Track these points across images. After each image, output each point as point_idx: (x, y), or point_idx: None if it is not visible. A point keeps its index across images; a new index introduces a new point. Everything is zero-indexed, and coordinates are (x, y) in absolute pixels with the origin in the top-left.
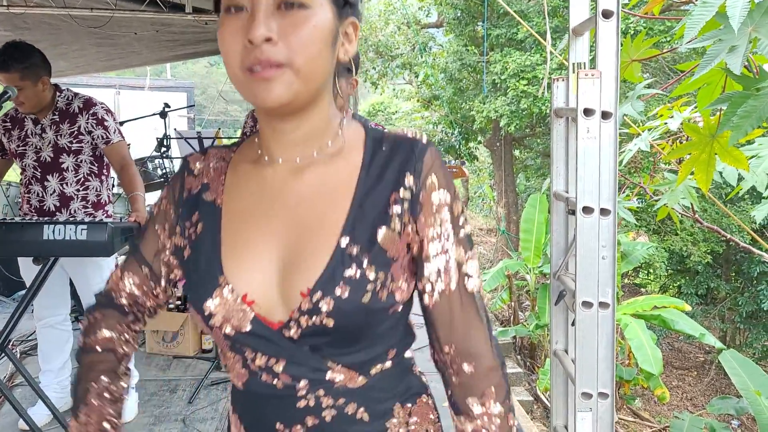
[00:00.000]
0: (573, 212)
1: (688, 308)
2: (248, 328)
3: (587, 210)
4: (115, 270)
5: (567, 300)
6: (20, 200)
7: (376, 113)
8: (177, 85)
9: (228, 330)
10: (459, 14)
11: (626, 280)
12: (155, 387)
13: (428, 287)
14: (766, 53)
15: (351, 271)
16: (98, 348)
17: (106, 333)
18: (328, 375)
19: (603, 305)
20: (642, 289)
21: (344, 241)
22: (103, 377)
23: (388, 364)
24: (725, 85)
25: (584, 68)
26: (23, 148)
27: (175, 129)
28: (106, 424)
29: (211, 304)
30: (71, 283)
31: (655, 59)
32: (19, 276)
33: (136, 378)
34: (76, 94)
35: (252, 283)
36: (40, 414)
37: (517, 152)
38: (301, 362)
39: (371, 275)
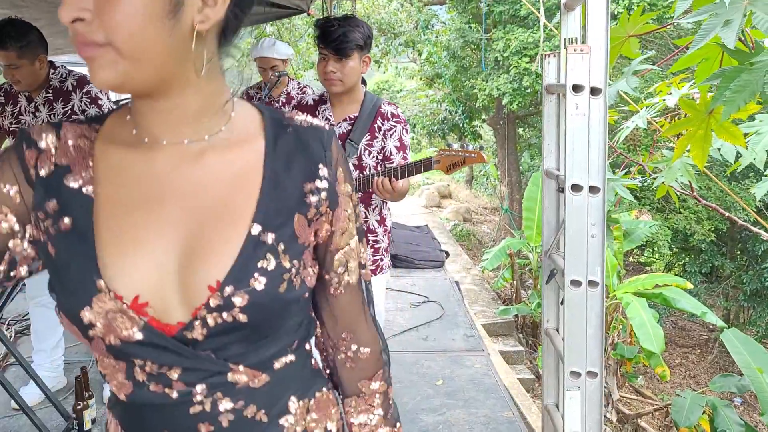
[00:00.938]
0: (563, 190)
1: (690, 286)
2: (138, 336)
3: (576, 188)
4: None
5: (557, 279)
6: None
7: (381, 92)
8: None
9: (112, 340)
10: None
11: (630, 259)
12: None
13: (335, 278)
14: (762, 27)
15: (266, 261)
16: None
17: None
18: (230, 377)
19: (592, 284)
20: (647, 268)
21: (256, 229)
22: None
23: (291, 357)
24: (722, 60)
25: (575, 44)
26: (16, 125)
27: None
28: None
29: (89, 314)
30: None
31: (659, 35)
32: None
33: None
34: (70, 72)
35: (142, 283)
36: (32, 394)
37: (521, 131)
38: (200, 367)
39: (287, 264)
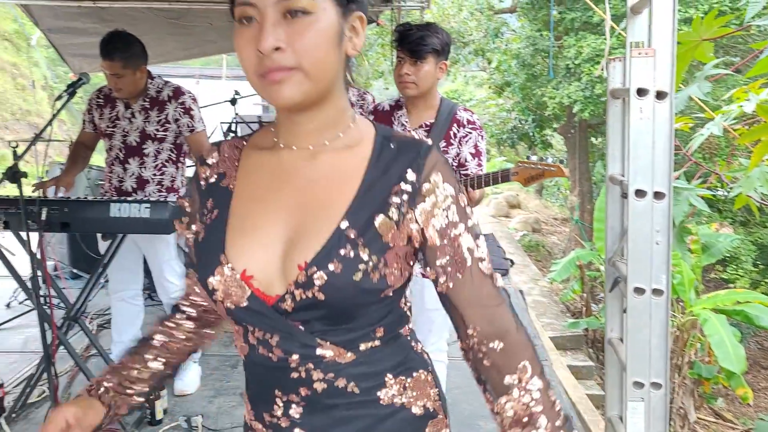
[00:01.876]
0: (627, 196)
1: None
2: (245, 303)
3: (640, 193)
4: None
5: (621, 287)
6: (102, 181)
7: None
8: None
9: (228, 305)
10: None
11: (712, 275)
12: (217, 362)
13: (441, 275)
14: None
15: (345, 251)
16: (141, 337)
17: (155, 327)
18: (318, 351)
19: (656, 292)
20: (729, 285)
21: (344, 224)
22: (130, 358)
23: (377, 342)
24: None
25: (641, 47)
26: (112, 129)
27: (237, 114)
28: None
29: (213, 281)
30: (145, 261)
31: (744, 40)
32: (99, 253)
33: (198, 353)
34: (166, 83)
35: (252, 259)
36: None
37: (593, 139)
38: (293, 338)
39: (364, 257)
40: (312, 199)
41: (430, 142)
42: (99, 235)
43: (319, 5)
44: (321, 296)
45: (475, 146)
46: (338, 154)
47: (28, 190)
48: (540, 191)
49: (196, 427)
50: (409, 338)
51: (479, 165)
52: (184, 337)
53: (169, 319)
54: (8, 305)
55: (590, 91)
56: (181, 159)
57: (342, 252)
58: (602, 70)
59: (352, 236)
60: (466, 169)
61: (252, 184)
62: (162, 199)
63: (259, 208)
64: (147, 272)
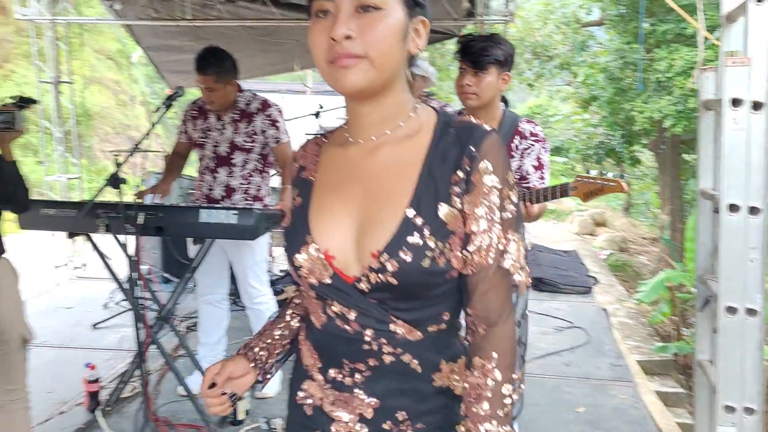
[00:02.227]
0: (719, 211)
1: None
2: (328, 280)
3: (733, 208)
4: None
5: (712, 306)
6: (193, 190)
7: (534, 116)
8: None
9: (312, 280)
10: (622, 10)
11: None
12: None
13: (469, 258)
14: None
15: (414, 239)
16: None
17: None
18: (391, 327)
19: (750, 312)
20: None
21: (410, 213)
22: (271, 323)
23: (443, 325)
24: None
25: (736, 56)
26: (204, 139)
27: (320, 126)
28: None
29: (299, 258)
30: (231, 267)
31: None
32: (188, 259)
33: None
34: (255, 96)
35: (333, 242)
36: (195, 383)
37: (685, 156)
38: (369, 313)
39: (431, 244)
40: (377, 188)
41: (488, 128)
42: (190, 240)
43: (389, 3)
44: (393, 281)
45: (538, 159)
46: (398, 144)
47: (128, 197)
48: (627, 209)
49: (275, 429)
50: (461, 326)
51: (541, 178)
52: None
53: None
54: (105, 306)
55: (683, 105)
56: (267, 169)
57: (410, 240)
58: (693, 81)
59: (419, 224)
60: (528, 182)
61: (328, 176)
62: (248, 207)
63: (333, 197)
64: (233, 279)
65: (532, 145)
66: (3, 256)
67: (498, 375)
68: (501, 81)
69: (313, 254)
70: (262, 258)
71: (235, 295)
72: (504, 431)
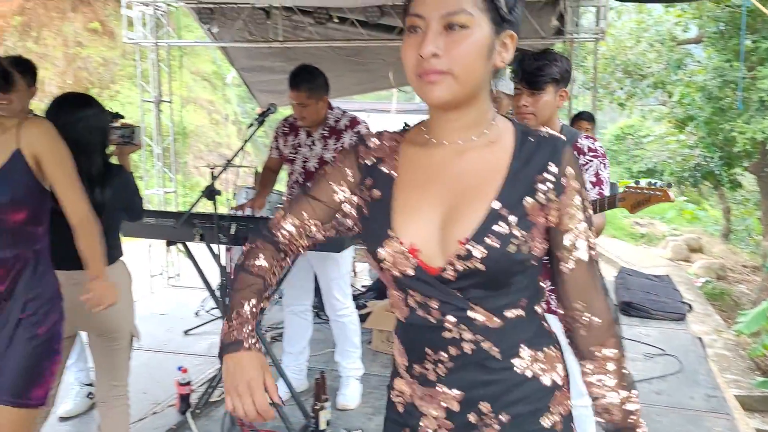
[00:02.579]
0: None
1: None
2: (411, 272)
3: None
4: (280, 211)
5: None
6: (280, 205)
7: (625, 136)
8: (421, 108)
9: (395, 273)
10: (722, 27)
11: None
12: (377, 382)
13: (566, 255)
14: None
15: (500, 228)
16: (253, 271)
17: (261, 262)
18: (471, 314)
19: None
20: None
21: (497, 205)
22: (252, 299)
23: (521, 312)
24: None
25: None
26: (294, 155)
27: (386, 129)
28: (246, 329)
29: (382, 252)
30: (316, 279)
31: None
32: None
33: (361, 371)
34: (344, 113)
35: (417, 235)
36: (280, 390)
37: None
38: (451, 302)
39: (516, 233)
40: (464, 186)
41: (564, 138)
42: None
43: (476, 21)
44: (481, 266)
45: (596, 174)
46: (484, 149)
47: (221, 208)
48: (726, 235)
49: None
50: (542, 316)
51: (600, 194)
52: (278, 270)
53: (271, 257)
54: (197, 313)
55: None
56: None
57: (496, 228)
58: None
59: (505, 214)
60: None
61: (411, 173)
62: None
63: (418, 193)
64: (317, 292)
65: (591, 160)
66: (120, 258)
67: (616, 352)
68: (558, 98)
69: (397, 248)
70: (346, 271)
71: (317, 308)
72: (634, 393)
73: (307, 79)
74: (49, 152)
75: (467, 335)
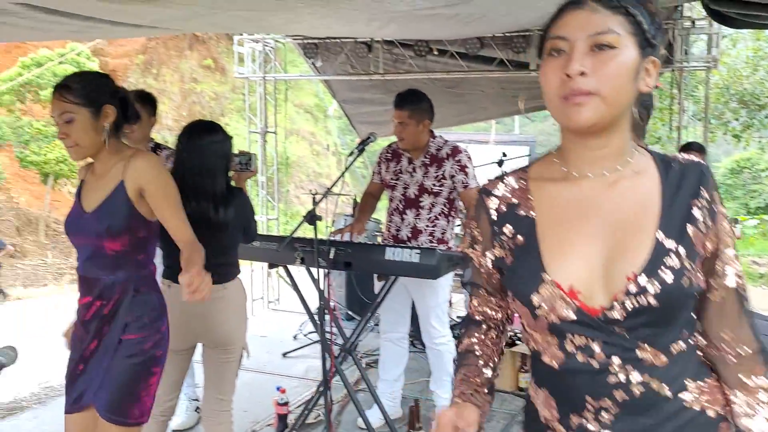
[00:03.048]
0: None
1: None
2: (573, 316)
3: None
4: (469, 298)
5: None
6: (377, 232)
7: (741, 170)
8: (520, 139)
9: (552, 319)
10: None
11: None
12: None
13: (715, 283)
14: None
15: (671, 260)
16: (462, 351)
17: (467, 340)
18: (638, 353)
19: None
20: None
21: (660, 236)
22: (461, 371)
23: (683, 345)
24: None
25: None
26: (395, 181)
27: (504, 171)
28: (474, 399)
29: (536, 298)
30: (413, 307)
31: None
32: (372, 297)
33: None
34: (446, 141)
35: (575, 275)
36: (374, 417)
37: None
38: (616, 342)
39: (686, 264)
40: (621, 219)
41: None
42: (375, 276)
43: (623, 42)
44: (654, 302)
45: None
46: (633, 178)
47: (321, 235)
48: None
49: None
50: (697, 344)
51: None
52: (491, 344)
53: (475, 333)
54: (295, 337)
55: None
56: (452, 213)
57: (667, 261)
58: None
59: (672, 246)
60: None
61: (555, 212)
62: (431, 246)
63: (569, 232)
64: (414, 320)
65: None
66: (238, 276)
67: (765, 381)
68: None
69: (553, 291)
70: (444, 299)
71: (413, 336)
72: None
73: (411, 100)
74: (153, 185)
75: (635, 377)
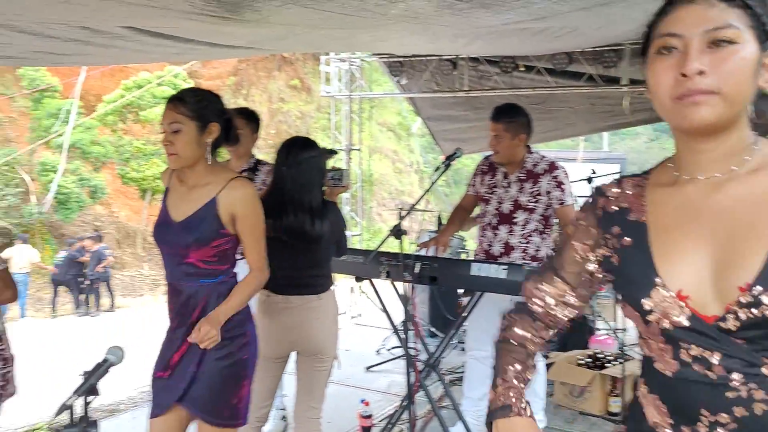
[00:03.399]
0: None
1: None
2: (686, 323)
3: None
4: (529, 282)
5: None
6: (461, 249)
7: None
8: (609, 156)
9: (665, 324)
10: None
11: None
12: None
13: None
14: None
15: None
16: (511, 340)
17: (519, 331)
18: (764, 370)
19: None
20: None
21: None
22: (515, 364)
23: None
24: None
25: None
26: (489, 195)
27: (623, 175)
28: (513, 393)
29: (647, 302)
30: None
31: None
32: (455, 315)
33: (543, 423)
34: (543, 157)
35: (685, 281)
36: None
37: None
38: (736, 355)
39: None
40: (733, 224)
41: None
42: (461, 291)
43: (743, 37)
44: None
45: None
46: (747, 179)
47: (407, 248)
48: None
49: None
50: None
51: None
52: (540, 343)
53: (530, 326)
54: (378, 351)
55: None
56: (547, 230)
57: None
58: None
59: None
60: None
61: (665, 216)
62: (518, 262)
63: (679, 237)
64: None
65: None
66: (331, 288)
67: None
68: None
69: (665, 296)
70: None
71: None
72: None
73: (508, 113)
74: (244, 213)
75: (759, 395)
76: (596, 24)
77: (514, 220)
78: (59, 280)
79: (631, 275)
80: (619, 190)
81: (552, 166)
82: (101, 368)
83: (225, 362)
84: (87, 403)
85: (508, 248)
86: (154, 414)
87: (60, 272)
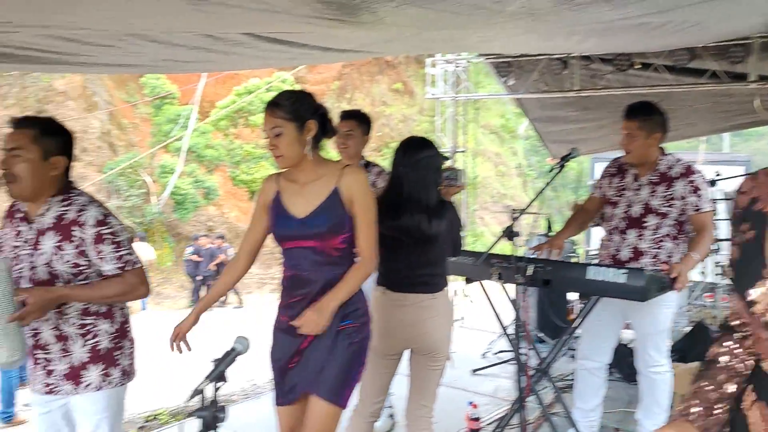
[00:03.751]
0: None
1: None
2: None
3: None
4: (735, 294)
5: None
6: (571, 254)
7: None
8: (732, 158)
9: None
10: None
11: None
12: None
13: None
14: None
15: None
16: (708, 359)
17: (716, 349)
18: None
19: None
20: None
21: None
22: (704, 382)
23: None
24: None
25: None
26: (617, 197)
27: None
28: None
29: (753, 292)
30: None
31: None
32: (565, 322)
33: None
34: (678, 160)
35: None
36: None
37: None
38: None
39: None
40: None
41: None
42: (571, 297)
43: None
44: None
45: None
46: None
47: (520, 250)
48: None
49: None
50: None
51: None
52: (744, 355)
53: (725, 341)
54: (484, 355)
55: None
56: (680, 236)
57: None
58: None
59: None
60: None
61: None
62: (639, 267)
63: None
64: (617, 351)
65: None
66: (446, 288)
67: None
68: None
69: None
70: (664, 327)
71: (613, 366)
72: None
73: (643, 111)
74: (360, 197)
75: None
76: (722, 16)
77: (644, 225)
78: (193, 274)
79: (744, 267)
80: (752, 183)
81: (689, 170)
82: (230, 356)
83: (355, 346)
84: (217, 389)
85: (637, 253)
86: (282, 402)
87: (189, 267)
